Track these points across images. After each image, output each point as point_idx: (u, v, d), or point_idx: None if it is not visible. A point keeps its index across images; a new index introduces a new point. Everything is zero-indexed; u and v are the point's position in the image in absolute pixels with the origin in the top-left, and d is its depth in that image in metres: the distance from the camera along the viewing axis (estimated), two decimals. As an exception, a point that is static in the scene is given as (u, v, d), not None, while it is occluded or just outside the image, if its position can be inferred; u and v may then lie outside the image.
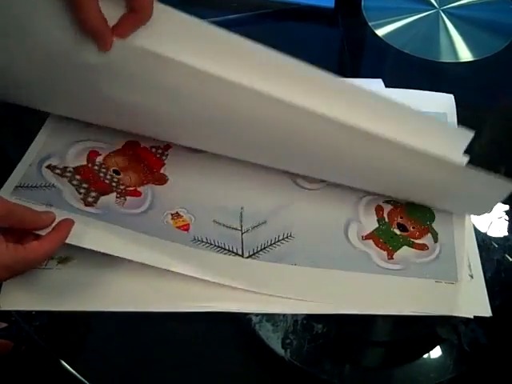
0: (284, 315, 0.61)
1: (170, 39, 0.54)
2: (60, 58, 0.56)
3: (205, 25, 0.55)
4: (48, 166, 0.68)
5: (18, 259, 0.53)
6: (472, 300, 0.62)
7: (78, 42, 0.54)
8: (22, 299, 0.62)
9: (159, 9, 0.54)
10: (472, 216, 0.69)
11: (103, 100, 0.60)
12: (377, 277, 0.63)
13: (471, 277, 0.64)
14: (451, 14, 0.95)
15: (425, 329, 0.62)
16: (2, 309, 0.61)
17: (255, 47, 0.55)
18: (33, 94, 0.65)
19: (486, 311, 0.61)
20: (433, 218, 0.68)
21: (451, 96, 0.82)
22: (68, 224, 0.58)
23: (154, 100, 0.58)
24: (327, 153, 0.60)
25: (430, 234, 0.67)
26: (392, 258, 0.65)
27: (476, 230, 0.68)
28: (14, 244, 0.54)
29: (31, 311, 0.61)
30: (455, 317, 0.61)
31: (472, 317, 0.60)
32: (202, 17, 0.94)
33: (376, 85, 0.82)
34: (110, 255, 0.62)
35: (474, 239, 0.67)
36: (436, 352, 0.60)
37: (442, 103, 0.81)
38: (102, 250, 0.60)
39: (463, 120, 0.78)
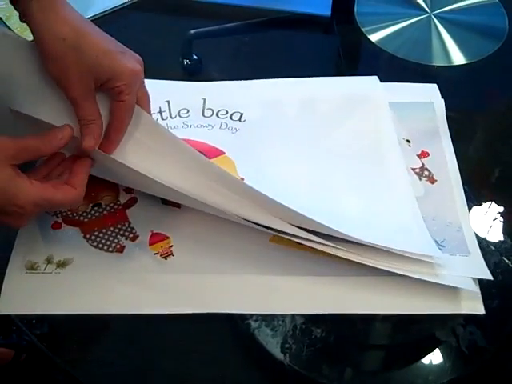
0: (283, 320, 0.62)
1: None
2: None
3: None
4: None
5: (45, 197, 0.54)
6: (465, 297, 0.63)
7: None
8: (21, 303, 0.63)
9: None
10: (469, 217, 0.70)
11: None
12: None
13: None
14: (443, 19, 0.96)
15: (423, 332, 0.62)
16: (1, 313, 0.61)
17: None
18: None
19: (479, 309, 0.62)
20: None
21: (435, 85, 0.84)
22: (86, 167, 0.59)
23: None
24: None
25: None
26: None
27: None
28: (43, 183, 0.55)
29: (31, 320, 0.61)
30: (453, 317, 0.62)
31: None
32: (198, 26, 0.96)
33: (372, 81, 0.84)
34: (108, 259, 0.65)
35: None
36: (434, 355, 0.60)
37: (427, 93, 0.84)
38: None
39: (456, 123, 0.79)
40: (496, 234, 0.69)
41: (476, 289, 0.63)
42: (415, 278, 0.62)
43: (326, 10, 0.99)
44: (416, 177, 0.73)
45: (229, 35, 0.99)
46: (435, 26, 0.95)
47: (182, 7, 0.99)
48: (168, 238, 0.68)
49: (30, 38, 0.56)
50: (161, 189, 0.62)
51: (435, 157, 0.76)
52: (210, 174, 0.62)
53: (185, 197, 0.61)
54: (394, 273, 0.62)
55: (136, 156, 0.61)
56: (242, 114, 0.79)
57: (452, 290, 0.62)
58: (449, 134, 0.78)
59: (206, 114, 0.79)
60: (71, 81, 0.55)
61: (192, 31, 0.96)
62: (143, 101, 0.62)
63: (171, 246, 0.67)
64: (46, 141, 0.55)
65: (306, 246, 0.64)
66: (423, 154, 0.76)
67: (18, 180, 0.53)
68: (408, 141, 0.77)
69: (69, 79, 0.55)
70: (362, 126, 0.78)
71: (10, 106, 0.58)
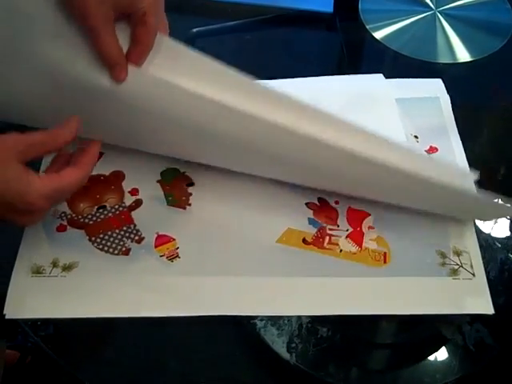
0: (289, 319, 0.61)
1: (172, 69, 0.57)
2: (68, 82, 0.56)
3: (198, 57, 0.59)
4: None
5: (53, 187, 0.54)
6: (474, 297, 0.63)
7: (89, 69, 0.55)
8: (27, 307, 0.62)
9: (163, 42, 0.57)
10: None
11: (111, 121, 0.62)
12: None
13: (473, 275, 0.64)
14: (448, 15, 0.96)
15: (430, 330, 0.62)
16: (8, 317, 0.61)
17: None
18: (37, 118, 0.64)
19: (488, 309, 0.62)
20: None
21: (439, 80, 0.85)
22: (96, 146, 0.59)
23: (158, 124, 0.61)
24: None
25: None
26: None
27: (479, 230, 0.68)
28: (48, 174, 0.55)
29: (37, 322, 0.61)
30: (460, 315, 0.62)
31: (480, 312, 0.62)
32: (200, 24, 0.95)
33: (377, 79, 0.84)
34: (114, 261, 0.65)
35: (475, 238, 0.68)
36: (441, 353, 0.60)
37: (433, 88, 0.84)
38: None
39: (461, 120, 0.79)
40: (502, 231, 0.69)
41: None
42: (422, 279, 0.62)
43: (328, 7, 0.98)
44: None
45: (231, 33, 0.98)
46: (440, 22, 0.95)
47: (184, 5, 0.99)
48: (174, 239, 0.67)
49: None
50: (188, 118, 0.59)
51: (444, 152, 0.76)
52: (250, 92, 0.61)
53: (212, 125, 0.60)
54: (401, 274, 0.63)
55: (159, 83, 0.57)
56: None
57: (460, 292, 0.63)
58: (456, 128, 0.78)
59: None
60: (89, 7, 0.51)
61: (194, 30, 0.95)
62: (162, 26, 0.59)
63: (177, 248, 0.67)
64: (53, 135, 0.55)
65: (313, 246, 0.64)
66: (432, 150, 0.76)
67: (28, 176, 0.52)
68: (416, 136, 0.77)
69: (87, 5, 0.51)
70: (368, 123, 0.78)
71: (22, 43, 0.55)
